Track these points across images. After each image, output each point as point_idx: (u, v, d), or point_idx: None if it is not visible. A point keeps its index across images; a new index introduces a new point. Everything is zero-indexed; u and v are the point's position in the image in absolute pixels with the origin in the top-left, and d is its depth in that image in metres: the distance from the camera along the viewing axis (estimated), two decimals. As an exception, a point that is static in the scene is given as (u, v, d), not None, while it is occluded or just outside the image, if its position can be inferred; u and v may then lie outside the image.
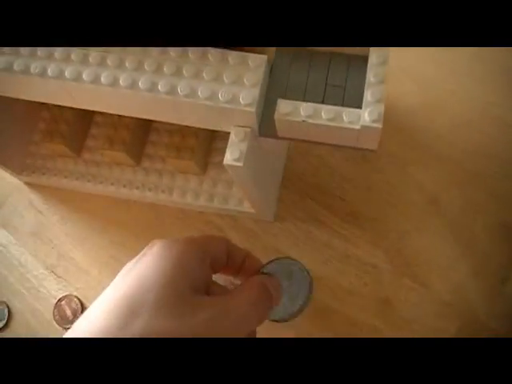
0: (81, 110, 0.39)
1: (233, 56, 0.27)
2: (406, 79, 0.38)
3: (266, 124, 0.28)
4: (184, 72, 0.27)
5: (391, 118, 0.27)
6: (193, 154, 0.35)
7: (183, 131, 0.36)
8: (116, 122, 0.37)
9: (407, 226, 0.35)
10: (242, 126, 0.28)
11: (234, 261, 0.29)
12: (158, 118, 0.29)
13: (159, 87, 0.27)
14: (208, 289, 0.27)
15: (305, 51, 0.28)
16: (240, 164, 0.27)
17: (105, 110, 0.30)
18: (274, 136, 0.29)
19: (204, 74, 0.27)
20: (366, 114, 0.26)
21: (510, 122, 0.36)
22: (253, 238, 0.37)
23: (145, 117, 0.30)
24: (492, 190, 0.35)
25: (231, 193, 0.36)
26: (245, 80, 0.27)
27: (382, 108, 0.26)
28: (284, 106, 0.27)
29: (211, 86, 0.27)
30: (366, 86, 0.26)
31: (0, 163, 0.40)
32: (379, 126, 0.26)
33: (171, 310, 0.24)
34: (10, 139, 0.40)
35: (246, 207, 0.36)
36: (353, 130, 0.26)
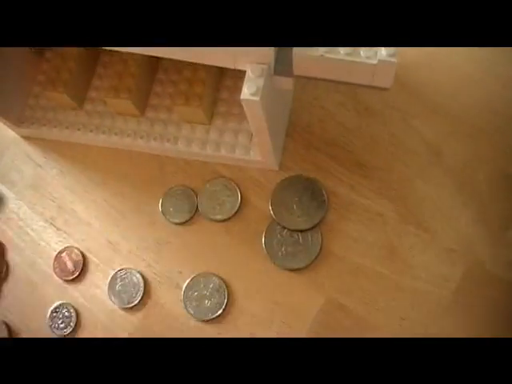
0: (84, 59, 0.39)
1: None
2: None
3: (281, 62, 0.28)
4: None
5: (395, 73, 0.27)
6: (201, 101, 0.35)
7: (190, 80, 0.36)
8: (121, 70, 0.37)
9: (411, 176, 0.35)
10: (259, 63, 0.28)
11: None
12: (175, 55, 0.29)
13: None
14: None
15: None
16: (257, 98, 0.27)
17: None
18: (290, 74, 0.29)
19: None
20: (383, 50, 0.26)
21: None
22: (258, 187, 0.37)
23: (161, 54, 0.29)
24: (494, 143, 0.35)
25: (238, 142, 0.36)
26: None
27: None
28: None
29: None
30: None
31: (1, 114, 0.39)
32: (395, 60, 0.26)
33: None
34: (9, 90, 0.39)
35: (253, 155, 0.36)
36: (370, 65, 0.27)
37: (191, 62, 0.29)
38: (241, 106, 0.30)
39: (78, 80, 0.39)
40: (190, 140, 0.37)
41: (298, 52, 0.27)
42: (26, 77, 0.41)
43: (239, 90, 0.35)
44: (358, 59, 0.26)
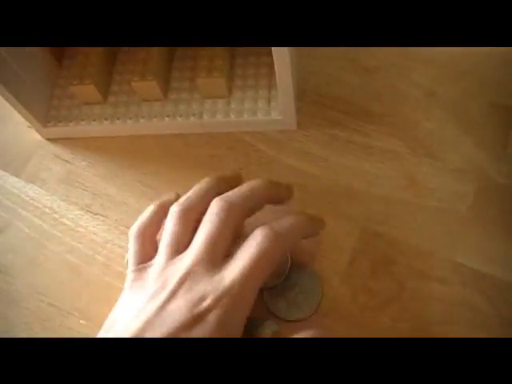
0: (105, 53, 0.43)
1: None
2: None
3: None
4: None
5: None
6: (222, 72, 0.39)
7: (209, 55, 0.40)
8: (143, 55, 0.41)
9: (416, 117, 0.40)
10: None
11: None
12: None
13: None
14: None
15: None
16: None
17: None
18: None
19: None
20: None
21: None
22: (282, 147, 0.41)
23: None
24: (483, 79, 0.41)
25: (258, 107, 0.40)
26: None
27: None
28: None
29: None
30: None
31: (27, 116, 0.42)
32: None
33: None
34: (33, 91, 0.42)
35: (274, 115, 0.40)
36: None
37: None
38: (255, 79, 0.35)
39: (103, 71, 0.42)
40: (213, 112, 0.41)
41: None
42: (48, 77, 0.44)
43: (251, 66, 0.40)
44: None
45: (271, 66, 0.35)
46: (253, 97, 0.41)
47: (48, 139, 0.45)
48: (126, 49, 0.44)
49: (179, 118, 0.41)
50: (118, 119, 0.42)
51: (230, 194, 0.32)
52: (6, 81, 0.38)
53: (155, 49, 0.41)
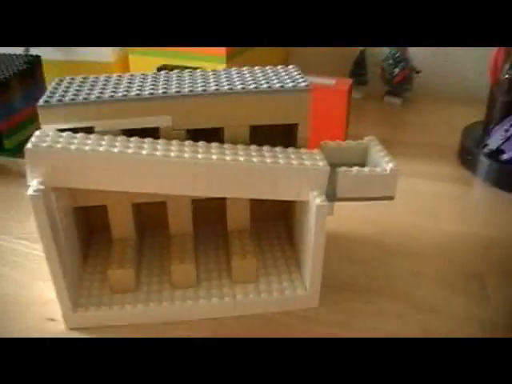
0: (137, 239, 0.48)
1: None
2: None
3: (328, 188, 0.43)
4: (264, 151, 0.43)
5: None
6: (254, 254, 0.46)
7: (240, 244, 0.47)
8: (180, 243, 0.47)
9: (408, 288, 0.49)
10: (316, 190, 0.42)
11: None
12: (235, 194, 0.42)
13: (240, 158, 0.41)
14: None
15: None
16: (326, 212, 0.41)
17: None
18: (333, 198, 0.43)
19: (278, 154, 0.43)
20: (390, 164, 0.43)
21: None
22: (309, 321, 0.46)
23: (228, 194, 0.43)
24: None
25: (284, 286, 0.46)
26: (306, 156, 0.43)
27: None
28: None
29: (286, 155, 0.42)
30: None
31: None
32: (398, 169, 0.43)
33: None
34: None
35: (300, 292, 0.46)
36: (384, 175, 0.43)
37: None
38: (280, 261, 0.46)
39: (136, 257, 0.47)
40: (245, 293, 0.46)
41: (341, 172, 0.43)
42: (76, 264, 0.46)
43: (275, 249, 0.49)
44: (379, 172, 0.43)
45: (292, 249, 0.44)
46: (278, 279, 0.47)
47: (71, 329, 0.44)
48: (160, 237, 0.51)
49: (214, 300, 0.45)
50: (152, 302, 0.45)
51: None
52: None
53: (189, 236, 0.48)
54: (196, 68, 0.71)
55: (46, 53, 0.83)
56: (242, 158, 0.41)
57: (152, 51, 0.77)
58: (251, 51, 0.78)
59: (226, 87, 0.43)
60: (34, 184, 0.39)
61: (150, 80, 0.45)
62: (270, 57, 0.89)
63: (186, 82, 0.45)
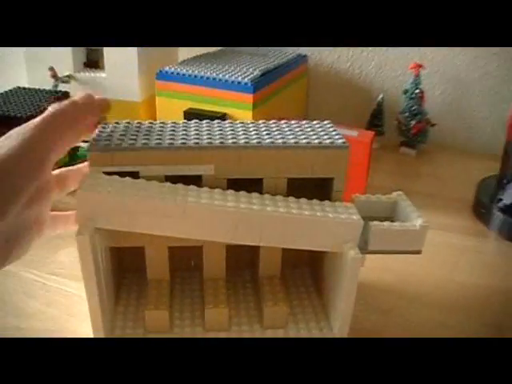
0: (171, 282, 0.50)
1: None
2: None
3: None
4: (301, 203, 0.45)
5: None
6: (285, 301, 0.48)
7: (272, 291, 0.49)
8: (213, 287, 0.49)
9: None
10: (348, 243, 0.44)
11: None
12: (273, 243, 0.44)
13: (280, 209, 0.43)
14: None
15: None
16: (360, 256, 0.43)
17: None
18: (365, 250, 0.45)
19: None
20: (419, 220, 0.45)
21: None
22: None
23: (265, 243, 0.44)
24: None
25: (312, 334, 0.48)
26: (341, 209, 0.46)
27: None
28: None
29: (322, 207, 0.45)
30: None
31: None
32: (428, 224, 0.45)
33: None
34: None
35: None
36: (414, 230, 0.45)
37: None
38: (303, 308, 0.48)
39: (170, 299, 0.48)
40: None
41: (374, 226, 0.45)
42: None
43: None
44: (409, 227, 0.45)
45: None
46: (306, 326, 0.48)
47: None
48: (189, 279, 0.53)
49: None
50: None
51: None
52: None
53: (222, 280, 0.49)
54: (222, 113, 0.74)
55: (74, 89, 0.86)
56: (281, 209, 0.43)
57: (179, 94, 0.79)
58: (275, 99, 0.81)
59: (267, 140, 0.45)
60: (82, 225, 0.41)
61: (193, 129, 0.48)
62: (291, 105, 0.93)
63: (228, 132, 0.47)
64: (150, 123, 0.49)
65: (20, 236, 0.40)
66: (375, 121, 0.92)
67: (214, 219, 0.42)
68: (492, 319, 0.53)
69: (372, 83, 1.01)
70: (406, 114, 0.91)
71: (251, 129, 0.48)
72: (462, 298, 0.56)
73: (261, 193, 0.45)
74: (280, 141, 0.45)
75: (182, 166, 0.44)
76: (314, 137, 0.47)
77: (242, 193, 0.44)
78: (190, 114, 0.74)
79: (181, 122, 0.50)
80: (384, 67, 0.99)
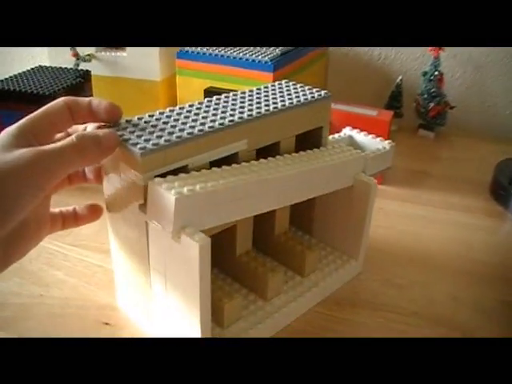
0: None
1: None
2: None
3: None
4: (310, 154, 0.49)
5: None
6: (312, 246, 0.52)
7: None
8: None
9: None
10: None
11: (81, 110, 0.39)
12: (308, 195, 0.48)
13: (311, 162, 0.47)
14: None
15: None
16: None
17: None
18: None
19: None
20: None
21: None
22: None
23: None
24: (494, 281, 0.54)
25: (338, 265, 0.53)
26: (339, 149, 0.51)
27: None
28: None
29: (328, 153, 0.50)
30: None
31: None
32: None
33: None
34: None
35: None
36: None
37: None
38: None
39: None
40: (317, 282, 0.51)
41: (369, 155, 0.50)
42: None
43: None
44: (385, 150, 0.53)
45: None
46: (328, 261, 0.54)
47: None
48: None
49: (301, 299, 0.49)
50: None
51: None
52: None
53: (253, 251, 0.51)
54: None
55: (95, 68, 0.86)
56: (313, 163, 0.46)
57: (199, 73, 0.80)
58: (294, 79, 0.81)
59: (273, 105, 0.46)
60: (197, 234, 0.37)
61: (212, 108, 0.45)
62: (310, 85, 0.93)
63: (240, 104, 0.46)
64: (161, 113, 0.44)
65: (19, 239, 0.38)
66: (394, 103, 0.92)
67: (284, 186, 0.44)
68: (506, 295, 0.54)
69: (391, 65, 1.01)
70: (425, 96, 0.90)
71: (253, 97, 0.48)
72: (479, 275, 0.57)
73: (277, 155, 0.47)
74: (280, 104, 0.47)
75: (223, 148, 0.42)
76: (301, 94, 0.50)
77: (271, 159, 0.46)
78: (210, 93, 0.75)
79: (195, 103, 0.47)
80: (403, 49, 0.99)
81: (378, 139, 0.56)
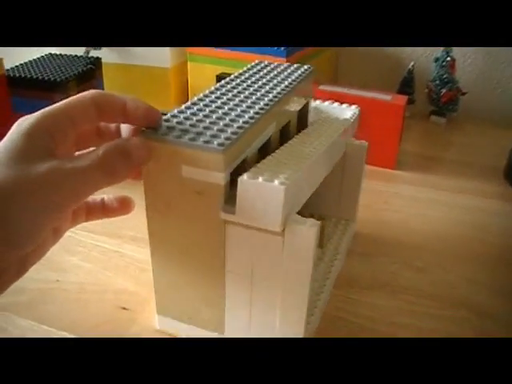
0: None
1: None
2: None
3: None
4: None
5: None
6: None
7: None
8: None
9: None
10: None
11: (111, 110, 0.35)
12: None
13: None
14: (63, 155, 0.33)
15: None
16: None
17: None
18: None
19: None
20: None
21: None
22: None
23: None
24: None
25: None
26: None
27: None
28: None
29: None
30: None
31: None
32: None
33: (12, 164, 0.30)
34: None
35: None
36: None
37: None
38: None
39: None
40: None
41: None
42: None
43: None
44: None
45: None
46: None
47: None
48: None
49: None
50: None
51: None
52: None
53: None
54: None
55: (106, 55, 0.86)
56: (329, 136, 0.47)
57: (211, 59, 0.79)
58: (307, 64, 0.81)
59: (285, 83, 0.47)
60: (307, 220, 0.36)
61: (237, 92, 0.45)
62: (322, 71, 0.93)
63: (256, 87, 0.46)
64: (199, 100, 0.42)
65: (37, 249, 0.37)
66: (406, 89, 0.91)
67: (328, 157, 0.46)
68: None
69: (403, 50, 1.00)
70: (437, 82, 0.90)
71: (258, 80, 0.48)
72: (496, 257, 0.57)
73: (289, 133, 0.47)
74: (287, 83, 0.47)
75: (265, 133, 0.41)
76: (289, 71, 0.51)
77: (303, 133, 0.47)
78: (222, 79, 0.74)
79: (210, 90, 0.45)
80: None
81: (344, 105, 0.55)
